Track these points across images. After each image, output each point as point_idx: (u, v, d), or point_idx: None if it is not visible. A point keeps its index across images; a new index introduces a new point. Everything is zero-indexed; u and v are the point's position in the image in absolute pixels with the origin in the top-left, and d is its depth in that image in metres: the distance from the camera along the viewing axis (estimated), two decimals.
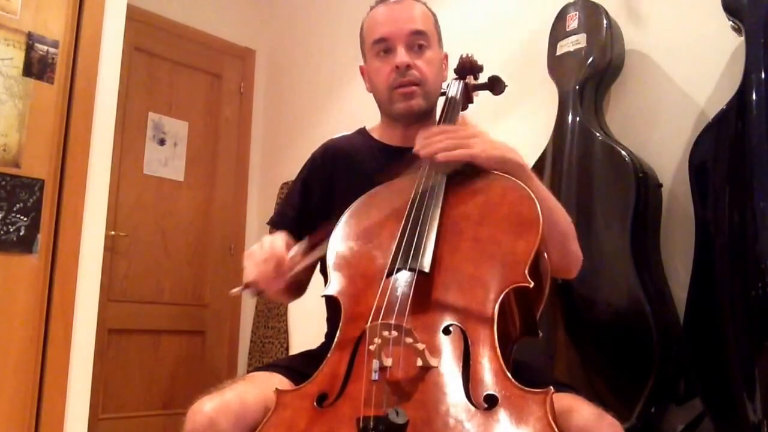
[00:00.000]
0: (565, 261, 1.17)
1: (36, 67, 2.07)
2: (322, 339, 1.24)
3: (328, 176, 1.35)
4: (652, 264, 1.73)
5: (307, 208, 1.35)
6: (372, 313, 0.96)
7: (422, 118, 1.31)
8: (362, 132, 1.43)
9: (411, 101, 1.27)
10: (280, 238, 1.13)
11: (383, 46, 1.28)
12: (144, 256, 3.12)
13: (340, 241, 1.15)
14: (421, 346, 0.87)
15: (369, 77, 1.35)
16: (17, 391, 1.95)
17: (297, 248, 1.12)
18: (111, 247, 2.92)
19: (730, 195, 1.53)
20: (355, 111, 2.85)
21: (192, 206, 3.32)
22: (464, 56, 1.43)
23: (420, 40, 1.28)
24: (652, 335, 1.59)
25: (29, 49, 2.06)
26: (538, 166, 1.96)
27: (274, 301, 2.92)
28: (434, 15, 1.36)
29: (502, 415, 0.80)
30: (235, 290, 1.06)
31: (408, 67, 1.25)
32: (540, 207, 1.02)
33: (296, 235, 1.34)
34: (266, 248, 1.08)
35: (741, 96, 1.53)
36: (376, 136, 1.39)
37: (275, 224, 1.42)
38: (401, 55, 1.25)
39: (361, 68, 1.39)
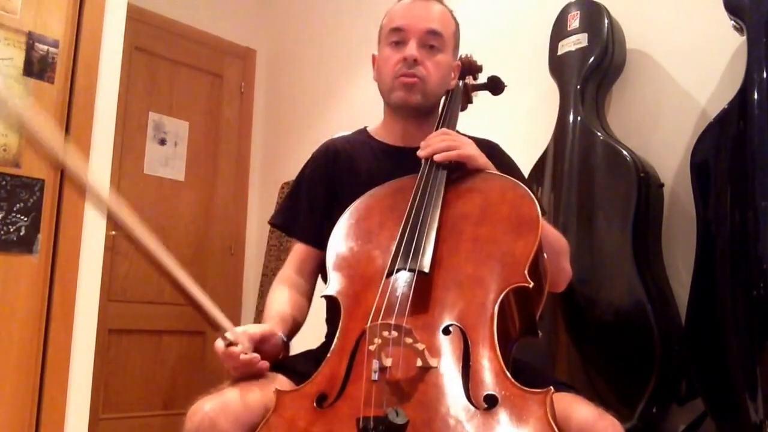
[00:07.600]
0: (554, 276, 1.18)
1: (36, 66, 2.07)
2: (322, 339, 1.23)
3: (330, 176, 1.34)
4: (653, 264, 1.72)
5: (316, 210, 1.32)
6: (372, 313, 0.96)
7: (420, 115, 1.32)
8: (363, 132, 1.42)
9: (409, 93, 1.27)
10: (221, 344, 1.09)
11: (398, 36, 1.29)
12: None
13: (340, 242, 1.14)
14: (420, 346, 0.87)
15: (377, 65, 1.35)
16: (17, 391, 1.95)
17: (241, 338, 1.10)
18: (111, 247, 2.91)
19: (731, 195, 1.53)
20: (355, 111, 2.84)
21: (192, 206, 3.32)
22: (463, 56, 1.44)
23: (434, 41, 1.29)
24: (653, 335, 1.58)
25: (29, 48, 2.06)
26: (539, 166, 1.96)
27: None
28: (457, 24, 1.36)
29: (502, 415, 0.80)
30: None
31: (416, 61, 1.26)
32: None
33: (310, 240, 1.31)
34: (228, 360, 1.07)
35: (743, 95, 1.53)
36: (376, 136, 1.39)
37: (288, 230, 1.38)
38: (411, 48, 1.26)
39: (373, 56, 1.40)
